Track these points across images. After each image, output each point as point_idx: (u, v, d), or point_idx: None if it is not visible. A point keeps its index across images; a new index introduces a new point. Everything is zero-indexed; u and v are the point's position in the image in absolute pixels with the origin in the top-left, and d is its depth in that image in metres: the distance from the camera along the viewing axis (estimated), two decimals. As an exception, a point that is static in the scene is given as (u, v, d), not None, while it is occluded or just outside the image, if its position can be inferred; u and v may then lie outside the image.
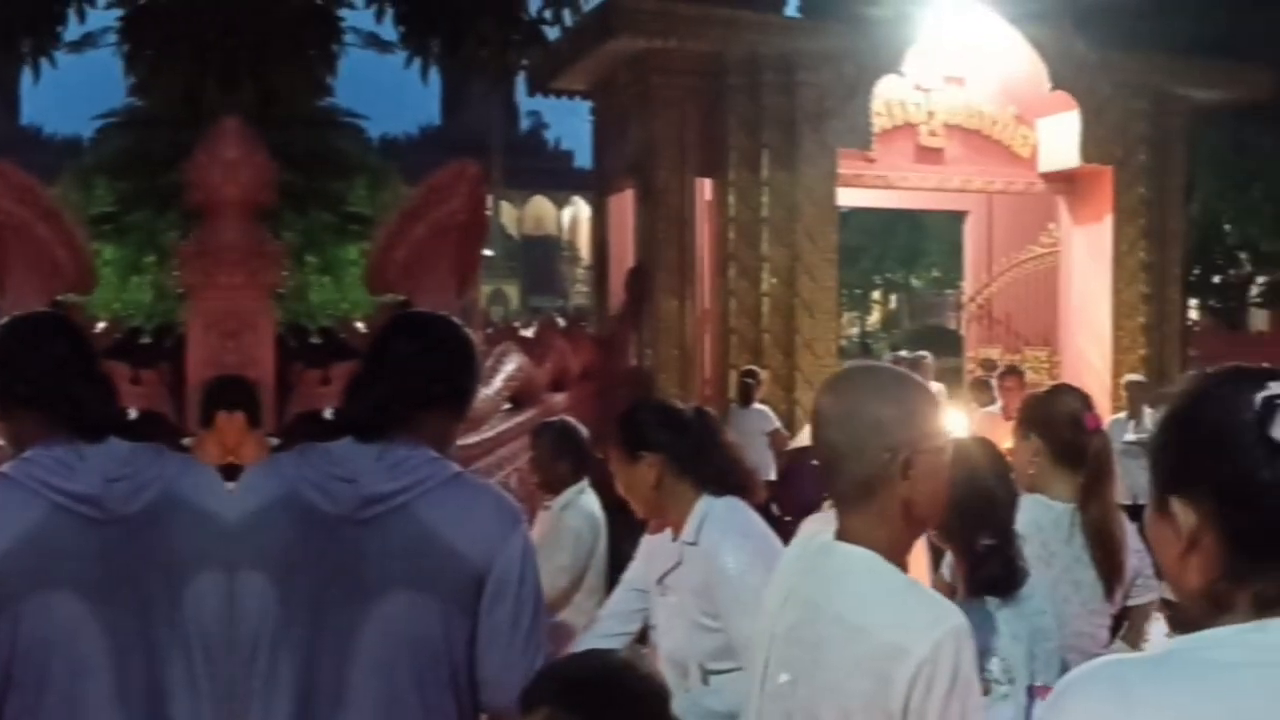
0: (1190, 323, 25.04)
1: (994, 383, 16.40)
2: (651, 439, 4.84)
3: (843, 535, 2.96)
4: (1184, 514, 2.00)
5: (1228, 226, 29.07)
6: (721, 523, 4.69)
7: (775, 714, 3.04)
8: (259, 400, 6.85)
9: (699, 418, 5.09)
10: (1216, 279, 32.29)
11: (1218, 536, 1.97)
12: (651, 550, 5.11)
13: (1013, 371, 14.18)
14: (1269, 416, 1.91)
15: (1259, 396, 1.94)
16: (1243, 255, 31.44)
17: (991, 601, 4.10)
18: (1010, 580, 4.13)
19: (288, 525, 3.38)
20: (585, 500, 7.30)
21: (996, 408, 14.31)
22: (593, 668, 3.32)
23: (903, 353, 20.20)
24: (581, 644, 5.12)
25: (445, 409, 3.61)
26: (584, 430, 7.63)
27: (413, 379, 3.53)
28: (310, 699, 3.32)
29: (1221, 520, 1.97)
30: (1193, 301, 29.99)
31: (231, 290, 8.26)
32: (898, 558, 2.97)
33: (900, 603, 2.87)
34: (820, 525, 3.20)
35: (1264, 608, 1.93)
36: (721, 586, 4.54)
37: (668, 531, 4.91)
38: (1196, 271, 28.76)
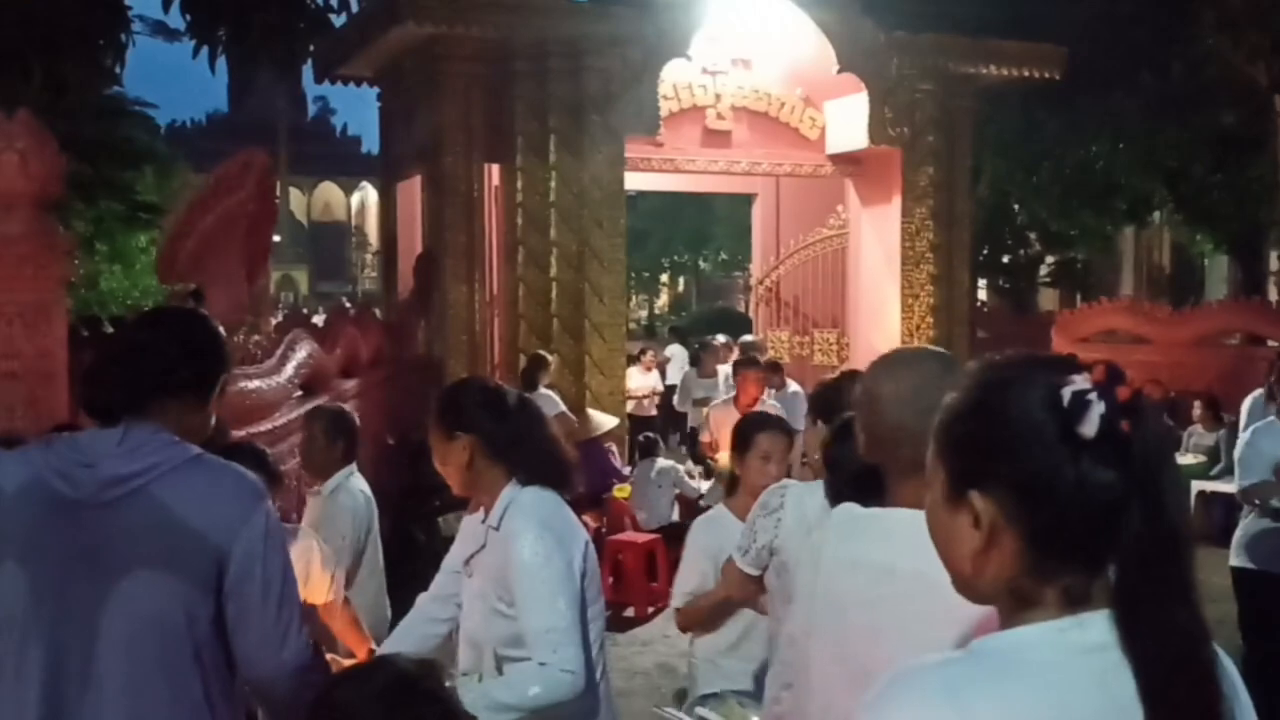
0: (979, 303, 25.58)
1: (783, 365, 16.87)
2: (467, 420, 4.80)
3: (898, 503, 3.33)
4: (984, 509, 2.01)
5: (1016, 206, 29.66)
6: (525, 511, 4.68)
7: (847, 675, 3.32)
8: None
9: (521, 406, 5.03)
10: (1005, 259, 32.92)
11: (1019, 533, 1.99)
12: (465, 531, 5.11)
13: (750, 363, 13.33)
14: (1078, 412, 1.93)
15: (1066, 391, 1.94)
16: (1031, 235, 32.05)
17: None
18: None
19: (32, 511, 3.53)
20: (355, 482, 7.58)
21: (726, 398, 13.45)
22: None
23: (748, 337, 20.19)
24: (404, 629, 5.32)
25: (183, 397, 3.75)
26: (355, 416, 7.99)
27: (144, 366, 3.69)
28: (59, 679, 3.48)
29: (1024, 517, 1.98)
30: (982, 282, 30.52)
31: (22, 281, 8.54)
32: None
33: None
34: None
35: (1073, 603, 1.97)
36: (517, 577, 4.56)
37: (481, 512, 4.90)
38: (985, 252, 29.43)
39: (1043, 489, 1.94)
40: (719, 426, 12.28)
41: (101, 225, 24.52)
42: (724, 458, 11.68)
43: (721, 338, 19.53)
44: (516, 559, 4.56)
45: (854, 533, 3.44)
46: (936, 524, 2.15)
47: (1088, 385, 1.93)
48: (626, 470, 15.00)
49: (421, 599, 5.43)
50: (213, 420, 3.96)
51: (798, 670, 3.62)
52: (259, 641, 3.66)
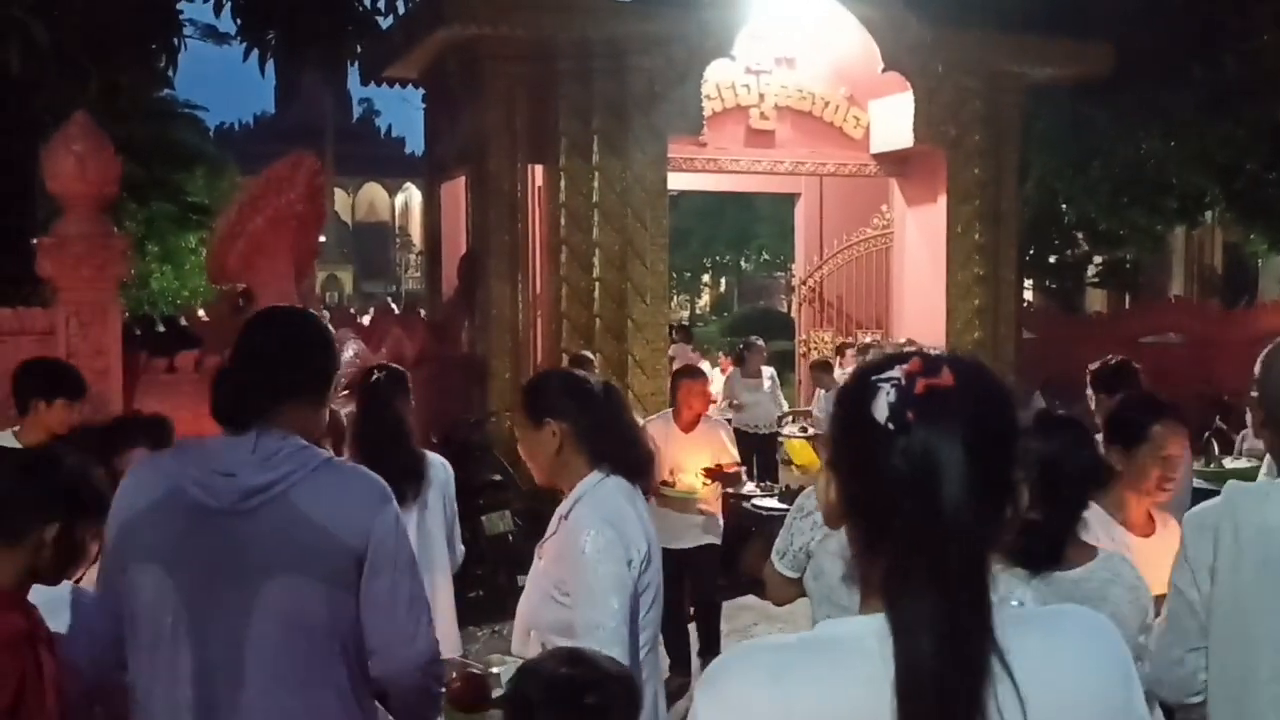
0: (1026, 304, 25.53)
1: (835, 362, 17.00)
2: (556, 406, 4.92)
3: None
4: (825, 485, 2.18)
5: (1064, 205, 29.34)
6: (594, 504, 4.79)
7: None
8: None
9: (606, 393, 5.14)
10: (1053, 259, 32.64)
11: (846, 510, 2.13)
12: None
13: (691, 374, 11.87)
14: (871, 398, 2.04)
15: (872, 378, 2.07)
16: (1079, 234, 31.73)
17: (1020, 572, 4.27)
18: (1044, 557, 4.28)
19: (175, 521, 3.77)
20: None
21: (665, 411, 12.00)
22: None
23: (867, 338, 19.41)
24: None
25: (303, 398, 4.00)
26: (342, 416, 8.27)
27: (267, 371, 3.93)
28: (210, 677, 3.74)
29: (845, 495, 2.12)
30: (1028, 282, 30.34)
31: (79, 280, 8.94)
32: None
33: None
34: None
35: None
36: (575, 568, 4.66)
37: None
38: (1032, 252, 29.25)
39: (852, 469, 2.09)
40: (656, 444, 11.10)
41: (153, 226, 25.17)
42: (684, 479, 11.12)
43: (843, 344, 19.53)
44: (576, 551, 4.66)
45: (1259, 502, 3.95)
46: None
47: (896, 375, 2.05)
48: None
49: None
50: (327, 416, 4.25)
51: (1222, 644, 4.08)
52: (392, 635, 3.93)
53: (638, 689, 3.85)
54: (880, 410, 2.01)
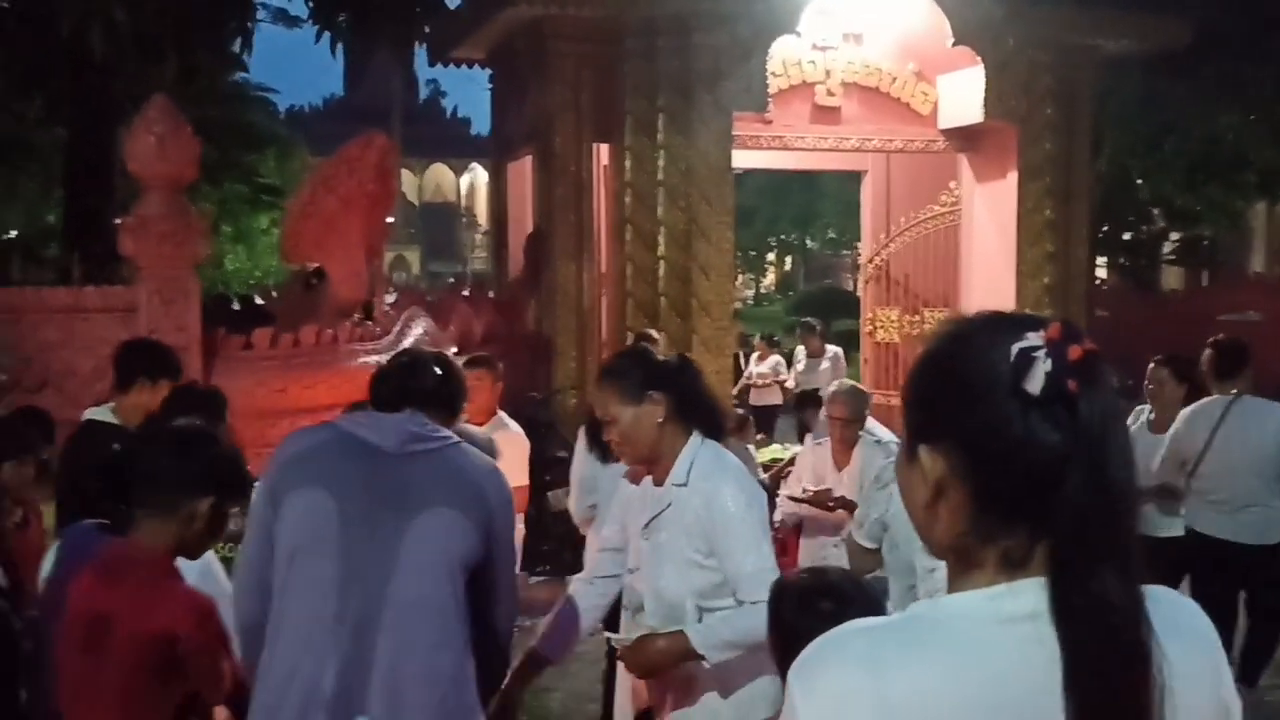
0: (1099, 282, 25.46)
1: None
2: (659, 379, 5.21)
3: None
4: (930, 463, 2.03)
5: (1139, 182, 29.33)
6: (710, 466, 5.18)
7: None
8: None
9: (684, 364, 5.50)
10: (1127, 236, 32.53)
11: (965, 489, 1.99)
12: (630, 501, 5.53)
13: (480, 361, 9.34)
14: (1024, 369, 1.91)
15: (1015, 347, 1.93)
16: (1155, 211, 31.66)
17: None
18: None
19: (339, 454, 4.50)
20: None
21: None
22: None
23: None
24: (576, 604, 5.63)
25: (437, 411, 4.80)
26: None
27: (419, 374, 4.90)
28: (354, 594, 4.31)
29: (969, 474, 1.98)
30: (1102, 260, 30.47)
31: (160, 259, 9.43)
32: None
33: None
34: None
35: (1011, 567, 1.96)
36: (722, 525, 5.05)
37: (646, 481, 5.38)
38: (1105, 229, 29.26)
39: (987, 445, 1.96)
40: None
41: (226, 207, 25.94)
42: None
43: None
44: (720, 510, 5.08)
45: None
46: (899, 474, 2.17)
47: (1039, 342, 1.93)
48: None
49: (579, 578, 5.89)
50: None
51: None
52: (504, 596, 4.77)
53: (877, 596, 4.38)
54: (1034, 381, 1.91)
